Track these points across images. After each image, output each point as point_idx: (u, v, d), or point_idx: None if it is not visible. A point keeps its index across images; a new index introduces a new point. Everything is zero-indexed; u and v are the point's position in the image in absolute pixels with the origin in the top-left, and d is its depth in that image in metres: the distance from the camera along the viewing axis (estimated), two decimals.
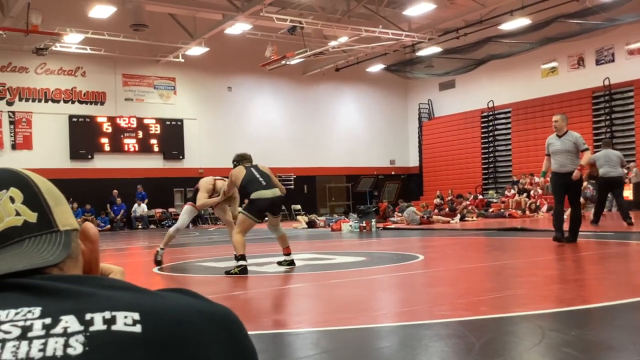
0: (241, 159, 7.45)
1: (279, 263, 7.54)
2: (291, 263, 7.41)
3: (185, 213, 8.70)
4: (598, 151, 12.68)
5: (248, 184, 7.11)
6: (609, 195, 12.86)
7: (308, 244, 12.15)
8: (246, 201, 7.53)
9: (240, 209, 7.68)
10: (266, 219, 7.39)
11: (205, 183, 8.43)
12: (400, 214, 18.58)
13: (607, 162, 11.80)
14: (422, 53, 23.71)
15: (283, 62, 21.28)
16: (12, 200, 0.70)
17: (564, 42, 20.94)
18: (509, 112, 26.02)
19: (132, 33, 19.72)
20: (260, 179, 7.13)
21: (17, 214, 0.69)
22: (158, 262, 8.29)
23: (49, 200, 0.73)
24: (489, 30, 20.88)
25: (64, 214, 0.73)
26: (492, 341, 3.39)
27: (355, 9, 21.21)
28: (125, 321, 0.60)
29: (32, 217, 0.70)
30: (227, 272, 6.99)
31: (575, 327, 3.68)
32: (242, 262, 6.87)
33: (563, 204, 8.63)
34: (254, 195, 7.03)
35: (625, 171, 14.01)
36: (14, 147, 21.53)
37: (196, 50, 22.12)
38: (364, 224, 15.36)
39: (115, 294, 0.64)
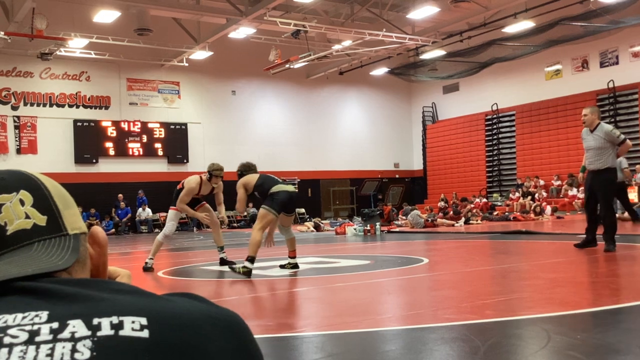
0: (247, 169, 7.51)
1: (282, 266, 7.60)
2: (295, 266, 7.51)
3: (170, 219, 8.38)
4: None
5: (264, 182, 7.23)
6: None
7: (313, 247, 12.13)
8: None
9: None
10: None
11: (190, 183, 8.03)
12: (404, 217, 18.57)
13: None
14: (425, 56, 23.71)
15: (287, 65, 21.33)
16: (22, 202, 0.70)
17: (568, 45, 20.91)
18: (513, 115, 25.98)
19: (137, 37, 19.77)
20: (276, 178, 7.41)
21: (27, 216, 0.69)
22: (148, 270, 8.08)
23: (59, 204, 0.73)
24: (492, 33, 20.88)
25: (73, 218, 0.73)
26: (497, 345, 3.38)
27: (359, 13, 21.23)
28: (133, 326, 0.60)
29: (41, 220, 0.70)
30: (232, 268, 7.11)
31: (581, 331, 3.67)
32: (248, 265, 6.89)
33: (591, 205, 8.03)
34: (274, 189, 7.13)
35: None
36: (18, 151, 21.61)
37: (200, 54, 22.17)
38: (368, 228, 15.35)
39: (123, 298, 0.64)
